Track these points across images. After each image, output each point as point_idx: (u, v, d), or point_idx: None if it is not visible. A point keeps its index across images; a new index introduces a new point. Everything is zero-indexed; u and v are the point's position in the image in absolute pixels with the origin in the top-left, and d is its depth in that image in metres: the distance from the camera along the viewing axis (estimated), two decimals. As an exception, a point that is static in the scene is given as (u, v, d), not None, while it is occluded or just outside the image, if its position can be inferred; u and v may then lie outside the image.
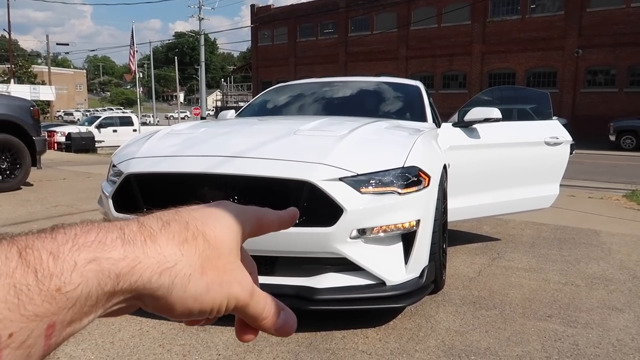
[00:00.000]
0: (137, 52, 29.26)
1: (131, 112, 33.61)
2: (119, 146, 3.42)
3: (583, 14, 24.63)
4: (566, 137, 4.18)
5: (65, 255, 0.27)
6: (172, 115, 57.13)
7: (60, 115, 56.63)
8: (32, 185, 7.15)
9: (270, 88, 5.20)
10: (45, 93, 28.12)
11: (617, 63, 24.02)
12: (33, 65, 58.44)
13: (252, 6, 40.36)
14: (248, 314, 0.36)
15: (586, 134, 19.81)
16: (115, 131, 21.62)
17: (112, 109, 56.82)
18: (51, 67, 49.30)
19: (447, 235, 3.44)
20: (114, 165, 2.96)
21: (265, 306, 0.37)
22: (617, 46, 23.73)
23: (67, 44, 49.37)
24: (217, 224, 0.35)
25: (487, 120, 3.84)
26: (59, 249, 0.27)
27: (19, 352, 0.25)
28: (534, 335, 2.56)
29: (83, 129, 20.85)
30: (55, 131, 20.10)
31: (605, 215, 5.87)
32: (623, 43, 23.51)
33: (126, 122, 22.85)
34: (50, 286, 0.26)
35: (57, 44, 65.57)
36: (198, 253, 0.32)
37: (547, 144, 4.13)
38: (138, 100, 31.52)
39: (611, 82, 24.58)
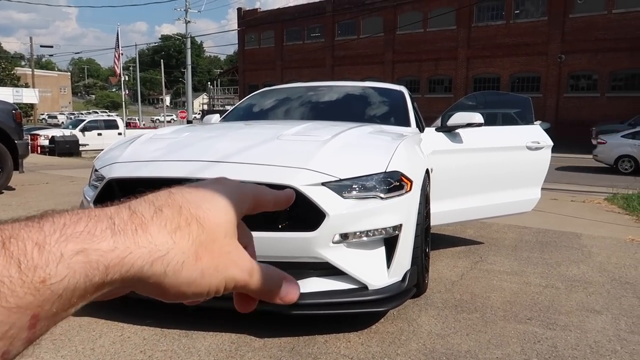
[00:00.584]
0: (122, 54, 29.09)
1: (116, 115, 33.35)
2: (103, 150, 3.40)
3: (566, 19, 25.02)
4: (547, 141, 4.25)
5: (51, 246, 0.26)
6: (158, 119, 56.75)
7: (44, 119, 55.91)
8: (14, 189, 7.06)
9: (256, 92, 5.21)
10: (28, 96, 27.76)
11: (599, 68, 24.42)
12: (16, 68, 57.68)
13: (239, 9, 40.33)
14: (249, 291, 0.36)
15: (569, 138, 20.08)
16: (100, 134, 21.42)
17: (97, 112, 56.26)
18: (35, 70, 48.70)
19: (430, 239, 3.47)
20: (96, 170, 2.95)
21: (266, 281, 0.36)
22: (599, 52, 24.13)
23: (52, 46, 49.08)
24: (212, 206, 0.34)
25: (469, 125, 3.88)
26: (45, 239, 0.26)
27: (1, 343, 0.24)
28: (514, 338, 2.60)
29: (67, 132, 20.63)
30: (38, 134, 19.86)
31: (586, 219, 5.96)
32: (605, 49, 23.91)
33: (111, 125, 22.65)
34: (34, 278, 0.25)
35: (41, 46, 65.20)
36: (192, 239, 0.32)
37: (529, 148, 4.19)
38: (123, 103, 31.30)
39: (593, 87, 24.98)
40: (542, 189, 4.37)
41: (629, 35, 23.01)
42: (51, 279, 0.26)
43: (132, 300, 2.63)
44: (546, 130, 4.51)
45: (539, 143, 4.20)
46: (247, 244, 0.39)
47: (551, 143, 4.27)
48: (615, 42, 23.46)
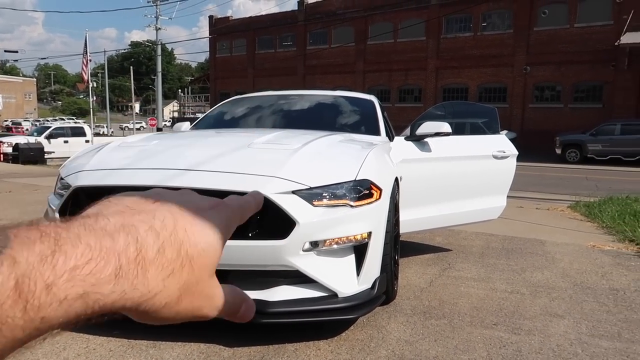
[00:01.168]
0: (90, 60, 28.51)
1: (84, 122, 32.65)
2: (69, 158, 3.33)
3: (530, 32, 25.78)
4: (512, 150, 4.37)
5: (58, 288, 0.27)
6: (127, 126, 55.78)
7: (7, 125, 54.27)
8: (-26, 198, 6.83)
9: (227, 100, 5.20)
10: (-9, 102, 26.88)
11: (562, 80, 25.21)
12: (-22, 73, 55.85)
13: (211, 17, 40.13)
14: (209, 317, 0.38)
15: (534, 148, 20.62)
16: (66, 142, 20.89)
17: (63, 119, 54.93)
18: (-2, 75, 47.21)
19: (399, 247, 3.52)
20: (61, 178, 2.89)
21: (227, 308, 0.38)
22: (562, 64, 24.93)
23: (16, 51, 47.68)
24: (207, 245, 0.35)
25: (437, 134, 3.96)
26: (54, 280, 0.27)
27: None
28: (480, 343, 2.65)
29: (32, 139, 20.07)
30: (1, 141, 19.25)
31: (550, 226, 6.13)
32: (567, 61, 24.72)
33: (78, 132, 22.14)
34: (36, 317, 0.26)
35: (5, 51, 63.33)
36: (180, 283, 0.33)
37: (495, 157, 4.30)
38: (91, 110, 30.64)
39: (557, 98, 25.77)
40: (508, 197, 4.48)
41: (590, 49, 23.87)
42: (50, 319, 0.27)
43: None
44: (512, 140, 4.64)
45: (504, 152, 4.32)
46: None
47: (516, 152, 4.39)
48: (578, 54, 24.30)
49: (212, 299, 0.36)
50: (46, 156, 18.96)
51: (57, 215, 2.66)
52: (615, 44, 21.82)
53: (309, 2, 34.03)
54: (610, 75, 23.46)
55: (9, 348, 0.26)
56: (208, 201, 0.39)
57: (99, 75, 69.15)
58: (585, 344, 2.68)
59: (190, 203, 0.37)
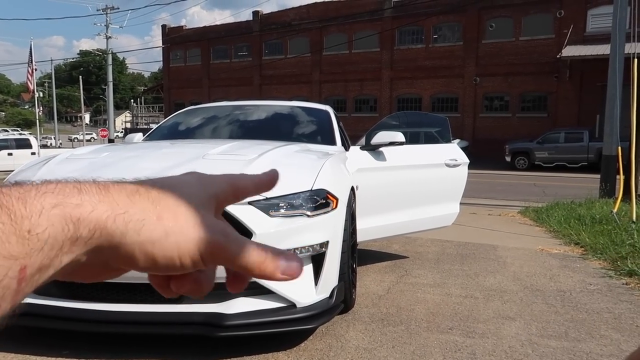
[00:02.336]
0: (36, 69, 27.47)
1: (29, 133, 31.32)
2: (14, 171, 3.19)
3: (479, 45, 26.74)
4: (464, 159, 4.50)
5: (32, 200, 0.28)
6: (77, 137, 53.90)
7: (-55, 137, 51.32)
8: None
9: (181, 110, 5.12)
10: None
11: (510, 90, 26.24)
12: None
13: (164, 26, 39.48)
14: (233, 260, 0.33)
15: (485, 155, 21.32)
16: (10, 154, 19.94)
17: (7, 131, 52.48)
18: None
19: (357, 255, 3.55)
20: (5, 193, 2.76)
21: (253, 249, 0.33)
22: (509, 75, 25.96)
23: (-45, 60, 45.11)
24: (181, 187, 0.34)
25: (392, 143, 4.04)
26: (25, 194, 0.28)
27: None
28: (437, 348, 2.70)
29: (-28, 152, 19.07)
30: (-62, 155, 18.19)
31: (502, 231, 6.34)
32: (514, 72, 25.76)
33: (23, 144, 21.19)
34: (23, 227, 0.27)
35: (-57, 59, 59.77)
36: (152, 200, 0.32)
37: (447, 165, 4.42)
38: (37, 121, 29.47)
39: (505, 107, 26.77)
40: (462, 203, 4.61)
41: (535, 61, 24.97)
42: (36, 229, 0.27)
43: (46, 330, 2.47)
44: (464, 148, 4.79)
45: (456, 160, 4.45)
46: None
47: (467, 160, 4.53)
48: (523, 66, 25.37)
49: (208, 222, 0.32)
50: (-12, 169, 18.04)
51: None
52: (557, 56, 22.92)
53: (264, 13, 34.08)
54: (554, 86, 24.60)
55: (15, 278, 0.26)
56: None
57: (46, 84, 66.63)
58: (535, 344, 2.77)
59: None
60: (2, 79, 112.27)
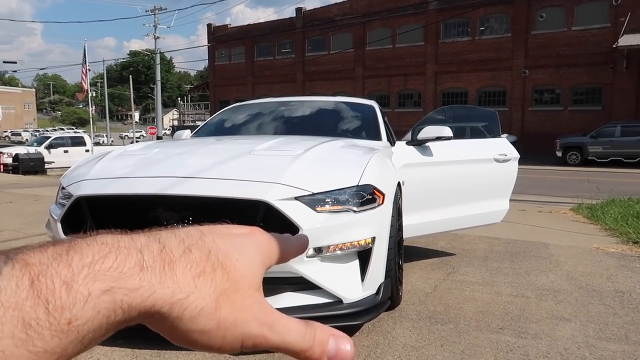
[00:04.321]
0: (90, 70, 28.63)
1: (83, 131, 32.71)
2: (70, 167, 3.32)
3: (528, 36, 25.87)
4: (514, 153, 4.35)
5: (79, 285, 0.25)
6: (127, 135, 55.86)
7: (7, 136, 54.34)
8: (-25, 209, 6.81)
9: (227, 107, 5.19)
10: (-10, 113, 26.96)
11: (561, 83, 25.27)
12: (-22, 84, 56.03)
13: (209, 25, 40.27)
14: (277, 349, 0.32)
15: (534, 151, 20.64)
16: (66, 152, 20.92)
17: (63, 129, 55.02)
18: (-2, 86, 47.38)
19: (403, 252, 3.50)
20: (63, 188, 2.88)
21: (298, 336, 0.33)
22: (561, 67, 25.00)
23: (15, 62, 47.88)
24: (241, 256, 0.33)
25: (439, 138, 3.95)
26: (73, 277, 0.25)
27: None
28: (487, 348, 2.63)
29: (32, 149, 20.10)
30: (1, 152, 19.27)
31: (553, 228, 6.11)
32: (566, 64, 24.80)
33: (78, 142, 22.16)
34: (61, 320, 0.24)
35: (4, 62, 63.61)
36: (214, 286, 0.30)
37: (497, 160, 4.28)
38: (90, 119, 30.71)
39: (556, 100, 25.81)
40: (511, 200, 4.46)
41: (588, 52, 23.95)
42: (77, 320, 0.25)
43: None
44: (512, 143, 4.63)
45: (506, 155, 4.30)
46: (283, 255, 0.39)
47: (518, 155, 4.38)
48: (576, 57, 24.37)
49: (258, 313, 0.32)
50: (46, 166, 18.96)
51: (59, 224, 2.65)
52: (614, 46, 21.89)
53: (307, 9, 34.18)
54: (609, 78, 23.51)
55: None
56: (239, 228, 0.37)
57: (98, 84, 69.31)
58: (593, 347, 2.65)
59: (222, 228, 0.35)
60: (58, 80, 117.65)
